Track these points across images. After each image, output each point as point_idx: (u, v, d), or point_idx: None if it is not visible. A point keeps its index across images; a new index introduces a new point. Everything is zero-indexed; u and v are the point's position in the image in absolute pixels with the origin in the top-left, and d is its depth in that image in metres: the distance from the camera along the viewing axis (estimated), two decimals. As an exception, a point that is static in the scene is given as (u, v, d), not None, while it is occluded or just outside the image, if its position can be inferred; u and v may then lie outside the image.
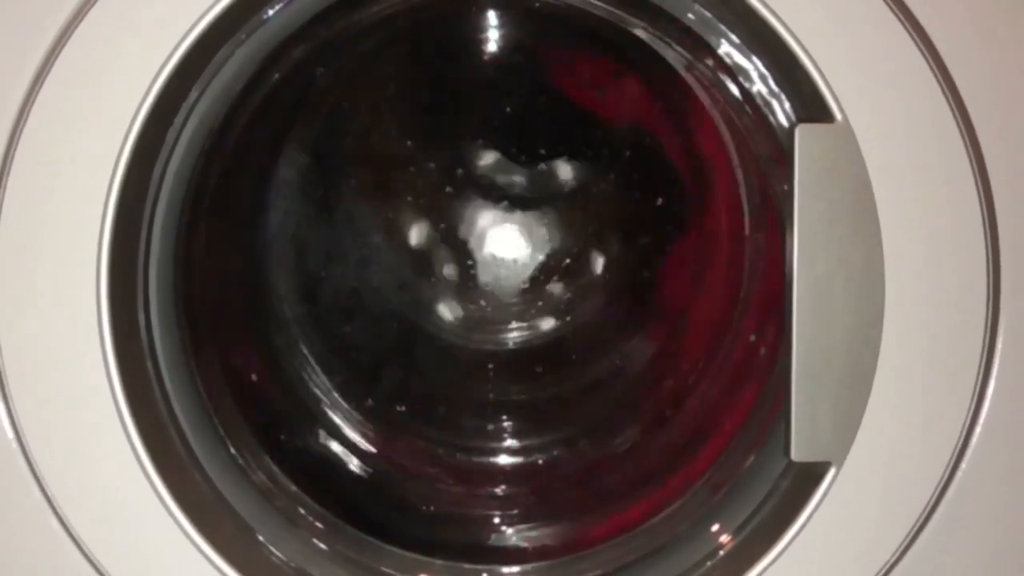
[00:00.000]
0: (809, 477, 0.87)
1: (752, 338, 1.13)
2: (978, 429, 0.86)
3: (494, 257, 1.27)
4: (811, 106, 0.85)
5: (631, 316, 1.31)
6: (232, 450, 1.02)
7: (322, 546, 1.02)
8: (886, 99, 0.84)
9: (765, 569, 0.86)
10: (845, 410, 0.85)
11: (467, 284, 1.29)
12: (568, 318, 1.30)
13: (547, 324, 1.30)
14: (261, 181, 1.17)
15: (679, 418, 1.21)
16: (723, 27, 0.94)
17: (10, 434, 0.84)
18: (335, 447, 1.19)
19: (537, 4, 1.17)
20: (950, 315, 0.85)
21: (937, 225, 0.84)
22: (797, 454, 0.86)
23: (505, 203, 1.25)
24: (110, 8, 0.82)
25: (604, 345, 1.30)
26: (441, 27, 1.20)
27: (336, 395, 1.22)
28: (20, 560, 0.85)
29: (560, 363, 1.29)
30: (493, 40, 1.22)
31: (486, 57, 1.22)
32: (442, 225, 1.26)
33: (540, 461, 1.25)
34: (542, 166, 1.25)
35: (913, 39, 0.83)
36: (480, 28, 1.21)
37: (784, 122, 0.92)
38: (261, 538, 0.95)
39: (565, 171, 1.26)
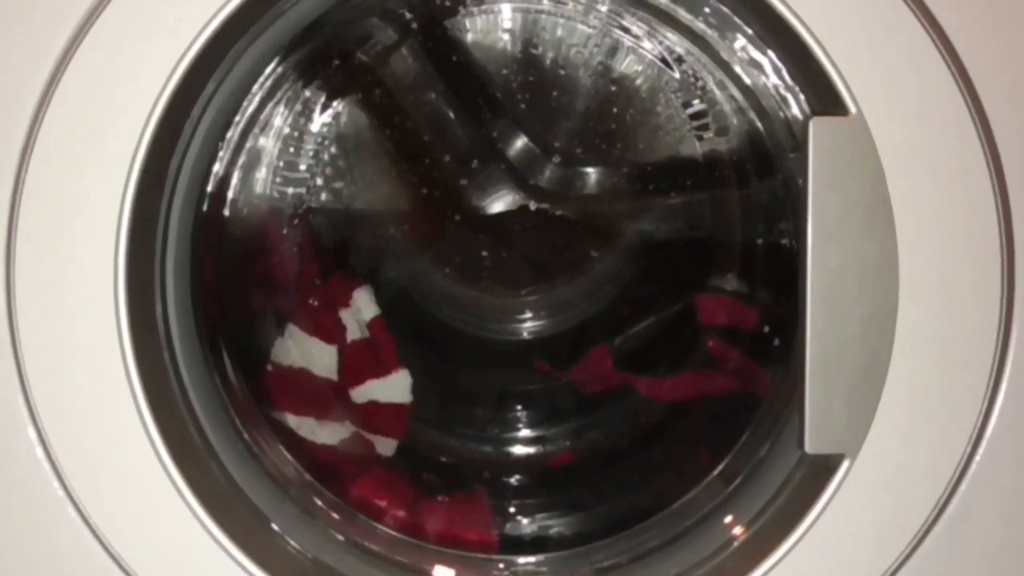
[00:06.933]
0: (822, 469, 0.87)
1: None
2: (992, 421, 0.86)
3: (510, 248, 1.28)
4: (825, 99, 0.85)
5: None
6: (248, 440, 1.03)
7: (338, 536, 1.03)
8: (900, 92, 0.83)
9: (779, 561, 0.86)
10: (859, 402, 0.85)
11: (483, 275, 1.29)
12: (582, 310, 1.31)
13: (562, 316, 1.31)
14: (276, 170, 1.18)
15: (695, 408, 1.21)
16: (738, 21, 0.94)
17: (30, 425, 0.84)
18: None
19: None
20: (964, 307, 0.84)
21: (951, 217, 0.84)
22: (811, 446, 0.86)
23: (522, 195, 1.25)
24: (128, 2, 0.83)
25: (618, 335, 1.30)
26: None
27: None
28: (39, 549, 0.86)
29: (575, 354, 1.29)
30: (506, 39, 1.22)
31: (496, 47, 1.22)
32: (457, 216, 1.26)
33: (554, 450, 1.25)
34: (570, 164, 1.25)
35: (927, 31, 0.83)
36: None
37: (799, 115, 0.92)
38: (276, 528, 0.96)
39: (592, 172, 1.26)
